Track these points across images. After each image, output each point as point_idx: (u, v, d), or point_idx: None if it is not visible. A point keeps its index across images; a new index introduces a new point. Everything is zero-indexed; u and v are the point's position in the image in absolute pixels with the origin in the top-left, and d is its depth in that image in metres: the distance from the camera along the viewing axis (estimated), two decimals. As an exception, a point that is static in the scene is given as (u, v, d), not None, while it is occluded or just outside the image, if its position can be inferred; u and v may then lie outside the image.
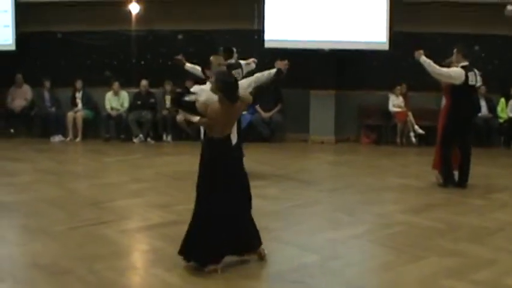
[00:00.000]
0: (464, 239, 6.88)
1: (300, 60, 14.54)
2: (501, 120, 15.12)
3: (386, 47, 14.69)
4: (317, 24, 14.76)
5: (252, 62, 10.03)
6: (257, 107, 14.71)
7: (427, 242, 6.71)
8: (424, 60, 9.54)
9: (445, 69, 9.60)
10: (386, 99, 15.15)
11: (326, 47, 14.70)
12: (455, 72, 9.50)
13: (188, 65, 10.29)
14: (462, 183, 9.71)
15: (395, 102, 15.11)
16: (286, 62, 6.90)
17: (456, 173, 9.81)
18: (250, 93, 6.03)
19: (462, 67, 9.52)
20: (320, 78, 15.06)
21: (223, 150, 5.70)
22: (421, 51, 9.66)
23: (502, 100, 15.22)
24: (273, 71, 7.02)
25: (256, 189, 7.41)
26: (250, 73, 8.74)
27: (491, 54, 15.33)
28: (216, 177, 5.66)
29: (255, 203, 6.83)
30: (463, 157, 9.74)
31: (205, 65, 7.09)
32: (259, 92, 6.79)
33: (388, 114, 15.20)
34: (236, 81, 5.81)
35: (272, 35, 14.77)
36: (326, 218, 7.96)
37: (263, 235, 6.07)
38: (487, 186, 9.98)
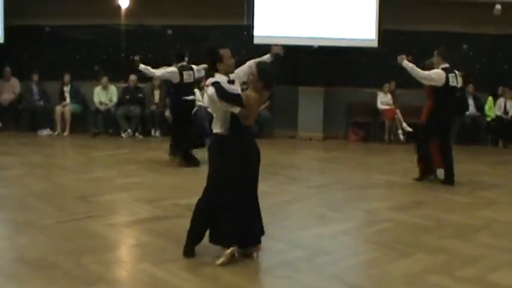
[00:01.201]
0: (451, 236, 6.92)
1: (289, 57, 14.53)
2: (489, 119, 15.18)
3: (375, 44, 14.73)
4: (306, 20, 14.79)
5: (202, 69, 10.67)
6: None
7: (413, 239, 6.75)
8: (407, 64, 9.84)
9: (426, 73, 9.85)
10: (375, 97, 15.19)
11: (315, 43, 14.72)
12: (436, 74, 9.74)
13: (142, 66, 11.10)
14: (449, 180, 9.83)
15: (383, 100, 15.15)
16: (280, 46, 6.81)
17: (441, 171, 9.99)
18: None
19: (443, 69, 9.71)
20: (309, 75, 15.07)
21: (253, 138, 6.00)
22: (404, 56, 9.96)
23: (490, 99, 15.29)
24: (267, 56, 6.82)
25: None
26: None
27: (479, 52, 15.42)
28: (248, 164, 5.87)
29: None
30: (446, 156, 9.88)
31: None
32: None
33: (376, 112, 15.25)
34: (272, 69, 6.12)
35: (261, 31, 14.78)
36: (314, 214, 7.97)
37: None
38: (474, 184, 10.03)
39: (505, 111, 15.17)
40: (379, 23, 14.66)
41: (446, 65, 9.84)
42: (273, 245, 6.39)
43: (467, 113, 14.99)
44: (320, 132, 15.16)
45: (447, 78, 9.70)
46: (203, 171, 10.66)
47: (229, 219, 5.74)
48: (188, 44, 14.94)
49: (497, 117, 15.10)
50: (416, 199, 8.88)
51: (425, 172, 10.11)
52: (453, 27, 15.01)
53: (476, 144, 14.77)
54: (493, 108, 15.22)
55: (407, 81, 14.76)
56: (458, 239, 6.81)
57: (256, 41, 14.64)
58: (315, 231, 7.07)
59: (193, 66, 10.89)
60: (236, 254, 5.81)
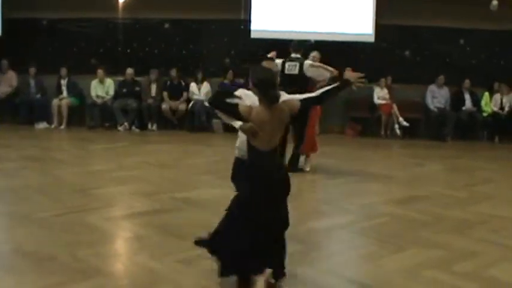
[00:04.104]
0: (447, 231, 6.93)
1: (285, 52, 14.57)
2: (485, 114, 15.21)
3: (372, 39, 14.75)
4: (303, 15, 14.81)
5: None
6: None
7: (410, 234, 6.76)
8: None
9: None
10: (372, 92, 15.20)
11: (312, 38, 14.71)
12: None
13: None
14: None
15: (380, 95, 15.18)
16: (359, 74, 5.26)
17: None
18: (302, 100, 4.90)
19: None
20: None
21: (269, 166, 4.77)
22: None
23: (486, 94, 15.33)
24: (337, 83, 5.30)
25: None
26: None
27: (476, 48, 15.44)
28: (252, 202, 4.78)
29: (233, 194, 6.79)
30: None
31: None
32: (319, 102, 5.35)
33: (373, 107, 15.26)
34: (273, 77, 4.83)
35: (258, 25, 14.79)
36: (310, 208, 7.99)
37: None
38: (471, 179, 10.06)
39: (501, 107, 15.20)
40: (376, 18, 14.67)
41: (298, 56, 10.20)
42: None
43: (464, 108, 15.03)
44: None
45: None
46: (201, 164, 10.76)
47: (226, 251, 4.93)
48: (185, 38, 14.99)
49: (494, 113, 15.13)
50: (412, 194, 8.90)
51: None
52: (450, 22, 15.04)
53: (473, 140, 14.79)
54: (490, 104, 15.25)
55: (403, 76, 14.89)
56: (455, 234, 6.82)
57: (253, 35, 14.67)
58: (311, 225, 7.07)
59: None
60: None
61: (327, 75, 9.81)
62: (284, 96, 4.95)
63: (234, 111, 4.77)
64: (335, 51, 14.99)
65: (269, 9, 15.00)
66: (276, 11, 14.96)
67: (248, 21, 14.99)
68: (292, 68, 10.00)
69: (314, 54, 10.63)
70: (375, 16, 14.79)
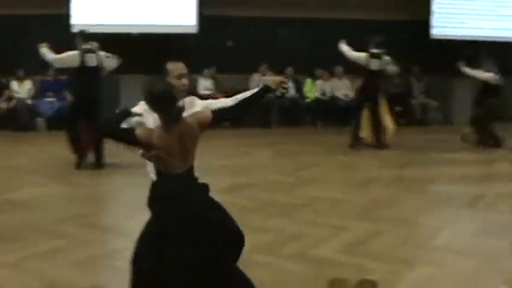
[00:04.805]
0: (275, 216, 7.11)
1: (109, 45, 14.30)
2: (308, 100, 15.73)
3: (195, 30, 14.81)
4: (126, 8, 14.60)
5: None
6: (67, 92, 14.22)
7: (239, 220, 6.80)
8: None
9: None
10: (196, 82, 15.27)
11: (135, 30, 14.57)
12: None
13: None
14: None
15: (204, 85, 15.26)
16: (281, 79, 4.74)
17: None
18: (215, 111, 4.14)
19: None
20: (130, 63, 14.84)
21: (182, 189, 3.95)
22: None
23: (309, 80, 15.85)
24: (257, 89, 4.69)
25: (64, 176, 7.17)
26: None
27: (298, 36, 15.91)
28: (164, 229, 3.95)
29: (64, 190, 6.64)
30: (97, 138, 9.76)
31: None
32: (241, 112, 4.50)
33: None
34: (171, 90, 3.94)
35: (80, 19, 14.41)
36: (140, 202, 7.86)
37: (78, 220, 5.94)
38: (296, 164, 10.36)
39: (323, 93, 15.79)
40: (199, 9, 14.75)
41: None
42: (99, 234, 6.35)
43: (287, 95, 15.45)
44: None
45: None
46: (25, 164, 10.32)
47: None
48: (4, 34, 14.38)
49: (316, 99, 15.68)
50: (241, 181, 9.02)
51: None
52: (273, 12, 15.43)
53: (297, 125, 15.25)
54: (313, 90, 15.78)
55: (227, 66, 15.07)
56: (282, 218, 7.01)
57: (75, 29, 14.27)
58: (142, 219, 6.97)
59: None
60: None
61: None
62: (193, 105, 4.49)
63: (130, 138, 3.91)
64: (159, 43, 14.95)
65: (91, 3, 14.67)
66: (97, 5, 14.64)
67: (68, 16, 14.57)
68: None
69: None
70: (198, 7, 14.85)
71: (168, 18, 14.73)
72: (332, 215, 7.23)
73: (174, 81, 4.42)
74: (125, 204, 7.87)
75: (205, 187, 4.13)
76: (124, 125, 4.05)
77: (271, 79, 4.67)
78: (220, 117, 4.16)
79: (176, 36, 14.88)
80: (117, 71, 14.67)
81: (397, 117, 15.83)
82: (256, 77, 15.31)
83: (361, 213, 7.38)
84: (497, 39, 16.31)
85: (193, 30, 14.83)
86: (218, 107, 4.39)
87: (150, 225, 4.03)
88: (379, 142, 12.02)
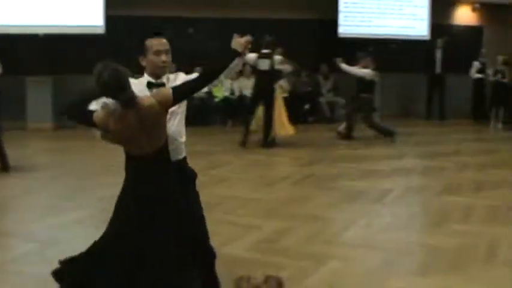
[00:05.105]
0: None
1: (13, 46, 13.98)
2: (217, 100, 15.73)
3: (102, 30, 14.60)
4: (31, 7, 14.23)
5: None
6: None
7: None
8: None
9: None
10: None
11: (41, 31, 14.23)
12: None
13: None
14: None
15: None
16: (246, 39, 4.39)
17: None
18: (175, 88, 3.98)
19: None
20: (35, 64, 14.53)
21: (148, 172, 3.90)
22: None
23: (217, 80, 15.83)
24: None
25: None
26: None
27: (205, 36, 15.91)
28: (118, 218, 4.16)
29: None
30: None
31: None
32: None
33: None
34: (120, 77, 3.78)
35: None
36: (45, 205, 7.73)
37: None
38: (208, 163, 10.33)
39: (232, 92, 15.82)
40: (106, 9, 14.54)
41: None
42: (5, 240, 6.17)
43: (195, 95, 15.42)
44: (50, 121, 14.65)
45: None
46: None
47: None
48: None
49: (225, 98, 15.70)
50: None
51: None
52: (180, 11, 15.39)
53: (207, 125, 15.23)
54: (222, 89, 15.77)
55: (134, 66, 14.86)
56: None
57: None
58: (48, 222, 6.87)
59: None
60: None
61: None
62: (176, 80, 4.31)
63: (89, 122, 3.84)
64: (66, 44, 14.66)
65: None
66: (3, 5, 14.20)
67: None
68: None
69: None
70: (105, 7, 14.63)
71: (74, 19, 14.44)
72: (242, 214, 7.29)
73: (152, 58, 4.24)
74: (32, 209, 7.67)
75: (177, 171, 4.15)
76: (93, 105, 3.89)
77: (236, 41, 4.38)
78: (183, 91, 4.00)
79: (83, 36, 14.59)
80: (23, 72, 14.47)
81: (305, 115, 16.17)
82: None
83: (271, 211, 7.46)
84: (402, 37, 16.84)
85: (101, 30, 14.60)
86: (182, 81, 4.23)
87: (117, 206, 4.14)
88: (264, 140, 12.23)
